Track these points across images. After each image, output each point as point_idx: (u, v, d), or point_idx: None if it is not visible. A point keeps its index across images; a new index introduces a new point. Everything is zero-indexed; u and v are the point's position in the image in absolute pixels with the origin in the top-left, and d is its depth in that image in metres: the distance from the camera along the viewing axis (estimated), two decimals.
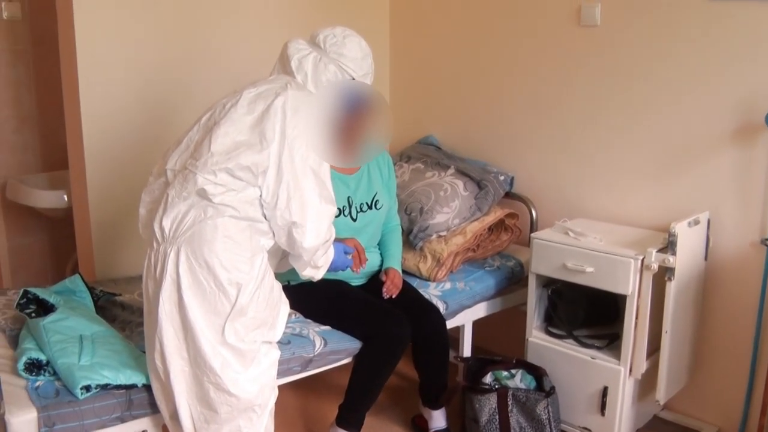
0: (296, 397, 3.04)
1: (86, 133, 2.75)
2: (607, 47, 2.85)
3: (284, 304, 2.10)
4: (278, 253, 2.15)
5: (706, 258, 2.64)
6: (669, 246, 2.41)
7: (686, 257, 2.47)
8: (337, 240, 2.23)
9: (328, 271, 2.22)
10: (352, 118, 2.12)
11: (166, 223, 1.91)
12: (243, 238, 1.93)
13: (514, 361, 2.69)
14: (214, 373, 1.89)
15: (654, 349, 2.54)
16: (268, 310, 2.00)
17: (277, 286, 2.06)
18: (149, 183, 2.09)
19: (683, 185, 2.71)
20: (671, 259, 2.39)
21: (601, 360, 2.59)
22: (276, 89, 2.00)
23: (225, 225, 1.90)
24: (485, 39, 3.28)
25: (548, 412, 2.55)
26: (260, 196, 1.95)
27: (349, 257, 2.39)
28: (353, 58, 2.16)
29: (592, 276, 2.54)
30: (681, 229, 2.42)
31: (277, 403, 2.12)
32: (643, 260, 2.44)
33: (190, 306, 1.87)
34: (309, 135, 1.97)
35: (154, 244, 1.95)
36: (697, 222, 2.54)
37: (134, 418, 2.01)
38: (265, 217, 1.98)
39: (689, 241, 2.49)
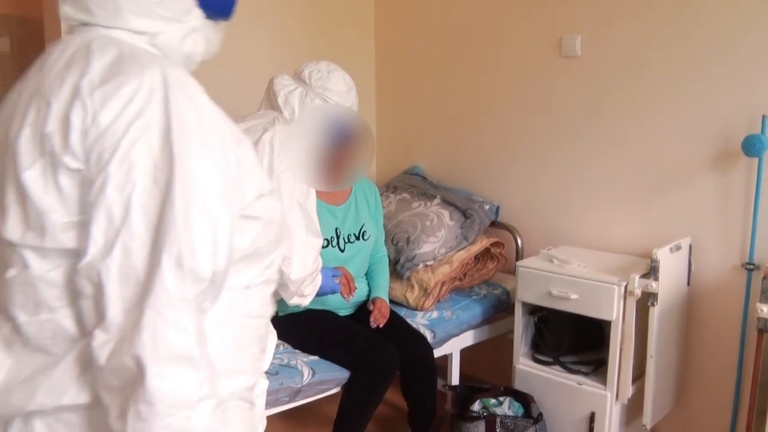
0: (285, 427, 3.04)
1: None
2: (588, 77, 2.91)
3: (272, 334, 2.11)
4: None
5: (688, 283, 2.68)
6: (651, 272, 2.45)
7: (669, 282, 2.51)
8: (325, 267, 2.26)
9: (318, 295, 2.24)
10: (338, 144, 2.15)
11: None
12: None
13: (501, 389, 2.71)
14: None
15: (640, 373, 2.57)
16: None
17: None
18: None
19: (664, 211, 2.76)
20: (654, 284, 2.43)
21: (588, 386, 2.61)
22: (264, 124, 2.04)
23: None
24: (469, 71, 3.34)
25: None
26: None
27: (337, 281, 2.41)
28: (338, 91, 2.20)
29: (576, 303, 2.57)
30: (663, 254, 2.46)
31: None
32: (626, 286, 2.48)
33: None
34: (296, 168, 2.01)
35: None
36: (678, 247, 2.58)
37: None
38: None
39: (671, 266, 2.53)
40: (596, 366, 2.67)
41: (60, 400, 1.01)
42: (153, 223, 0.96)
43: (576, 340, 2.77)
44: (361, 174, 2.34)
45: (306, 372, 2.36)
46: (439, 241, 2.99)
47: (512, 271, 2.98)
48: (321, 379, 2.39)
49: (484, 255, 3.12)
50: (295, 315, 2.53)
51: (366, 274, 2.79)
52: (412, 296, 2.90)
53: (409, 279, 2.94)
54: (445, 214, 3.09)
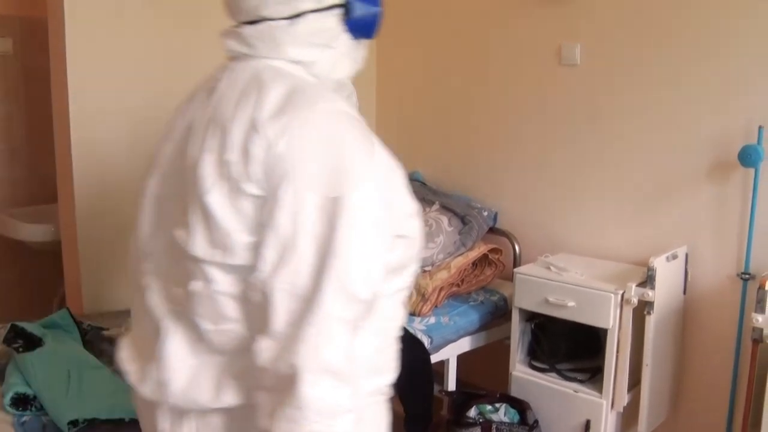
0: None
1: (76, 167, 2.78)
2: (587, 86, 2.93)
3: None
4: None
5: (684, 292, 2.70)
6: (648, 280, 2.46)
7: (665, 291, 2.52)
8: None
9: None
10: None
11: None
12: None
13: (498, 395, 2.72)
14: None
15: (635, 382, 2.58)
16: None
17: None
18: None
19: (661, 221, 2.77)
20: (650, 293, 2.45)
21: (584, 393, 2.62)
22: None
23: None
24: (469, 78, 3.36)
25: None
26: None
27: None
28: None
29: (573, 310, 2.58)
30: (660, 263, 2.47)
31: None
32: (623, 295, 2.49)
33: None
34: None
35: None
36: (675, 256, 2.60)
37: None
38: None
39: (668, 275, 2.55)
40: (592, 374, 2.69)
41: (241, 399, 1.12)
42: (319, 247, 1.05)
43: (572, 347, 2.78)
44: None
45: None
46: (437, 246, 3.00)
47: (510, 278, 2.99)
48: None
49: (482, 261, 3.13)
50: None
51: None
52: (410, 302, 2.91)
53: None
54: (444, 219, 3.10)
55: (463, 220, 3.12)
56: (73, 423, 1.91)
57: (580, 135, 2.97)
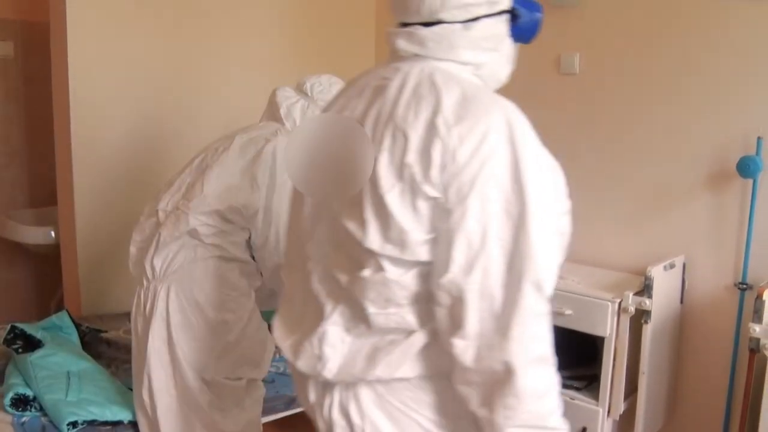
0: None
1: (76, 170, 2.79)
2: (586, 95, 2.94)
3: (270, 342, 2.14)
4: (264, 292, 2.19)
5: (681, 301, 2.71)
6: (645, 289, 2.47)
7: (662, 300, 2.54)
8: None
9: None
10: None
11: (157, 262, 1.95)
12: (232, 278, 1.97)
13: None
14: (201, 410, 1.92)
15: (632, 390, 2.59)
16: (255, 348, 2.04)
17: (264, 326, 2.10)
18: (140, 222, 2.13)
19: (659, 230, 2.78)
20: (648, 302, 2.46)
21: (580, 401, 2.63)
22: (266, 135, 2.07)
23: (215, 265, 1.95)
24: None
25: None
26: (250, 238, 2.01)
27: None
28: None
29: (570, 318, 2.59)
30: (657, 272, 2.48)
31: None
32: (620, 303, 2.50)
33: (179, 343, 1.91)
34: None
35: (144, 282, 1.99)
36: (672, 266, 2.61)
37: None
38: (254, 258, 2.03)
39: (665, 284, 2.56)
40: (589, 381, 2.69)
41: (394, 373, 1.21)
42: (507, 249, 1.12)
43: (569, 355, 2.77)
44: None
45: None
46: None
47: None
48: None
49: None
50: None
51: None
52: None
53: None
54: None
55: None
56: (73, 424, 1.92)
57: (579, 144, 2.99)
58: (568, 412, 2.72)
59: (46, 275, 3.72)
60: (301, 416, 2.60)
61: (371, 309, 1.21)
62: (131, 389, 2.07)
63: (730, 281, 2.62)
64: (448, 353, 1.16)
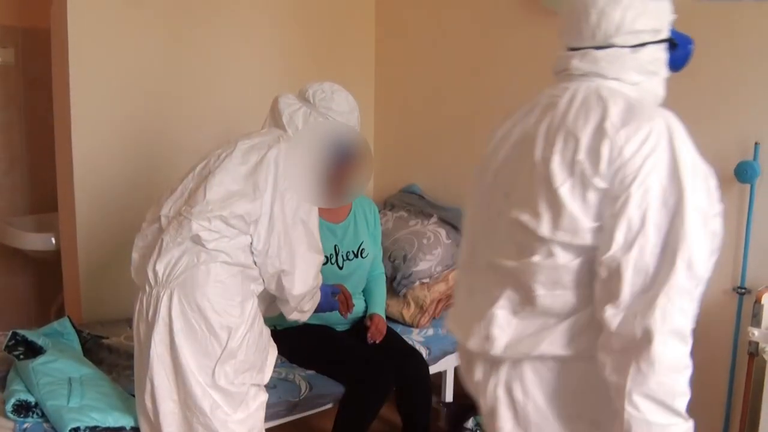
0: None
1: (77, 177, 2.80)
2: None
3: (272, 348, 2.15)
4: (267, 299, 2.20)
5: None
6: None
7: None
8: (324, 284, 2.29)
9: (316, 312, 2.27)
10: (339, 161, 2.19)
11: (160, 268, 1.96)
12: (234, 284, 1.98)
13: None
14: (203, 415, 1.92)
15: None
16: (257, 353, 2.04)
17: (266, 331, 2.11)
18: (142, 228, 2.14)
19: None
20: None
21: None
22: (269, 142, 2.08)
23: (217, 270, 1.95)
24: (467, 91, 3.38)
25: None
26: (251, 243, 2.01)
27: (335, 298, 2.44)
28: (341, 111, 2.24)
29: None
30: None
31: None
32: None
33: (181, 349, 1.91)
34: (299, 185, 2.05)
35: (147, 288, 1.99)
36: None
37: None
38: (256, 264, 2.04)
39: None
40: None
41: (556, 350, 1.38)
42: (662, 232, 1.28)
43: None
44: (360, 191, 2.38)
45: (303, 386, 2.39)
46: (435, 259, 3.02)
47: None
48: (318, 393, 2.42)
49: None
50: (293, 329, 2.55)
51: (363, 291, 2.82)
52: (409, 313, 2.93)
53: (405, 296, 2.97)
54: (442, 232, 3.12)
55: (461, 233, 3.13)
56: (75, 430, 1.93)
57: None
58: None
59: (46, 282, 3.73)
60: (304, 422, 2.62)
61: (540, 291, 1.38)
62: (133, 395, 2.07)
63: (728, 285, 2.63)
64: (599, 321, 1.31)
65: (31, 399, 2.02)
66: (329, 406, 2.51)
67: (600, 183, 1.31)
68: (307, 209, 2.07)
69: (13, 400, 2.00)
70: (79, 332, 2.51)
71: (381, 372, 2.50)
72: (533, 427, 1.44)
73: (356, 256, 2.71)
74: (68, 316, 2.58)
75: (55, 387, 2.06)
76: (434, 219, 3.22)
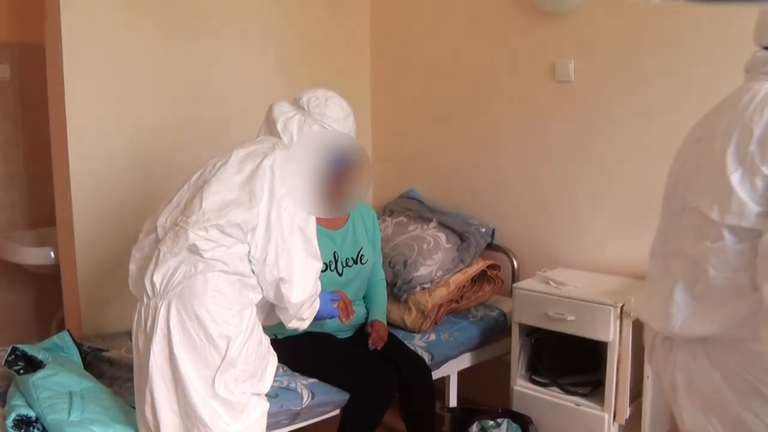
0: None
1: (74, 190, 2.79)
2: (581, 102, 2.96)
3: (272, 356, 2.14)
4: (266, 307, 2.19)
5: None
6: None
7: None
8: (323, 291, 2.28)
9: (316, 319, 2.26)
10: (336, 171, 2.18)
11: (157, 278, 1.95)
12: (232, 292, 1.97)
13: (499, 411, 2.72)
14: (204, 425, 1.91)
15: (637, 394, 2.59)
16: (257, 362, 2.03)
17: (266, 339, 2.10)
18: (139, 240, 2.13)
19: None
20: None
21: (585, 407, 2.62)
22: (264, 149, 2.07)
23: (215, 279, 1.94)
24: (464, 95, 3.38)
25: None
26: (249, 252, 2.00)
27: (335, 305, 2.43)
28: (336, 118, 2.23)
29: (573, 324, 2.59)
30: None
31: None
32: (622, 307, 2.50)
33: (180, 359, 1.90)
34: (296, 193, 2.04)
35: (145, 299, 1.98)
36: None
37: None
38: (254, 272, 2.03)
39: None
40: (594, 387, 2.69)
41: (730, 331, 1.48)
42: None
43: (573, 361, 2.79)
44: (359, 201, 2.37)
45: (305, 394, 2.37)
46: (435, 263, 3.01)
47: (508, 293, 3.00)
48: (320, 401, 2.40)
49: (481, 277, 3.14)
50: (294, 338, 2.54)
51: (364, 297, 2.80)
52: (410, 319, 2.92)
53: (406, 302, 2.96)
54: (442, 237, 3.12)
55: (461, 237, 3.13)
56: None
57: (576, 150, 3.00)
58: (574, 418, 2.74)
59: (46, 296, 3.72)
60: (307, 431, 2.60)
61: (712, 272, 1.48)
62: (134, 408, 2.06)
63: None
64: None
65: (32, 414, 2.01)
66: (332, 414, 2.49)
67: (767, 170, 1.41)
68: (305, 216, 2.06)
69: (13, 415, 1.99)
70: (79, 345, 2.50)
71: (384, 379, 2.49)
72: (710, 403, 1.53)
73: (355, 262, 2.71)
74: (68, 330, 2.56)
75: (55, 401, 2.04)
76: (434, 223, 3.21)
